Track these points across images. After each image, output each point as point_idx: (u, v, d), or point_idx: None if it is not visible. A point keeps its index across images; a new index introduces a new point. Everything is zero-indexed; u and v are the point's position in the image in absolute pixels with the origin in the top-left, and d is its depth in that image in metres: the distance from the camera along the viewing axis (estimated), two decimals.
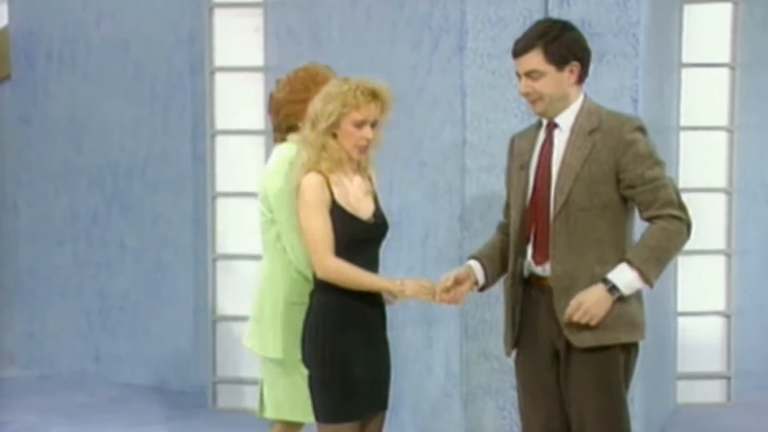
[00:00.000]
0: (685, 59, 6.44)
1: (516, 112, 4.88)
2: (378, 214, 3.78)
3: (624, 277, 3.49)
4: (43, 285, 7.94)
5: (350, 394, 3.67)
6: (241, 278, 6.49)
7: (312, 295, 3.76)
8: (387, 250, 3.93)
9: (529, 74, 3.61)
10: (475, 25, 4.97)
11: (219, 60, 6.63)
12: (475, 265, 3.80)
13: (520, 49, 3.62)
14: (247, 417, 6.43)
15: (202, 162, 6.86)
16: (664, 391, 6.20)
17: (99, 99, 7.56)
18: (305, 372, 3.75)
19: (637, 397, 4.88)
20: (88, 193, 7.67)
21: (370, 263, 3.74)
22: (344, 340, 3.68)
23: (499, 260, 3.79)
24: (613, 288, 3.49)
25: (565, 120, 3.64)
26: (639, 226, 3.63)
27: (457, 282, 3.71)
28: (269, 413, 4.15)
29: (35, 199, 7.99)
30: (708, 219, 6.24)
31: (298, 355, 3.80)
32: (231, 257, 6.63)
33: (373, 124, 3.68)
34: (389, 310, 3.88)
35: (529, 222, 3.65)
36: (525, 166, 3.68)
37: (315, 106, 3.69)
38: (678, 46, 6.42)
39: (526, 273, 3.68)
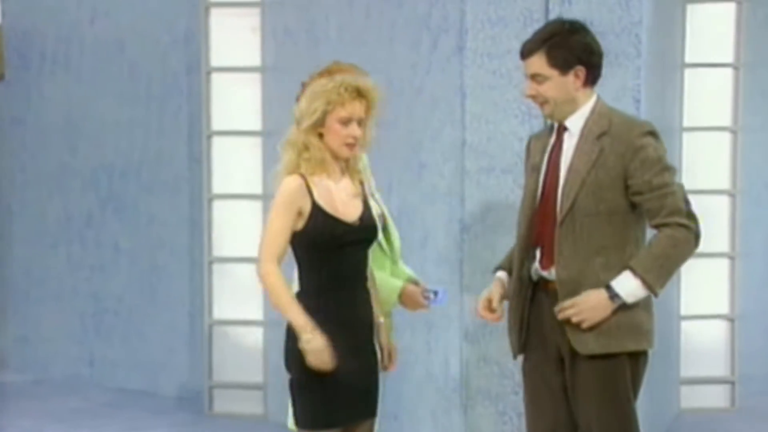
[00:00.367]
0: (688, 59, 6.41)
1: (516, 113, 4.88)
2: (365, 217, 3.69)
3: (627, 284, 3.47)
4: (37, 288, 7.88)
5: (330, 400, 3.59)
6: (237, 281, 6.44)
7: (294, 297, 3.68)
8: None
9: (533, 77, 3.60)
10: (474, 25, 4.98)
11: (215, 60, 6.58)
12: (504, 277, 3.79)
13: (524, 52, 3.62)
14: (243, 422, 6.42)
15: (198, 163, 6.81)
16: (668, 396, 6.17)
17: (93, 99, 7.51)
18: None
19: (640, 402, 4.82)
20: (83, 195, 7.61)
21: (356, 267, 3.66)
22: None
23: None
24: (615, 295, 3.47)
25: (575, 123, 3.61)
26: (651, 232, 3.60)
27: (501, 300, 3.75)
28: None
29: (29, 200, 7.94)
30: (711, 221, 6.15)
31: None
32: (227, 260, 6.58)
33: (360, 122, 3.62)
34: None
35: (537, 225, 3.63)
36: (536, 169, 3.67)
37: (300, 105, 3.66)
38: (681, 46, 6.39)
39: (534, 276, 3.66)
